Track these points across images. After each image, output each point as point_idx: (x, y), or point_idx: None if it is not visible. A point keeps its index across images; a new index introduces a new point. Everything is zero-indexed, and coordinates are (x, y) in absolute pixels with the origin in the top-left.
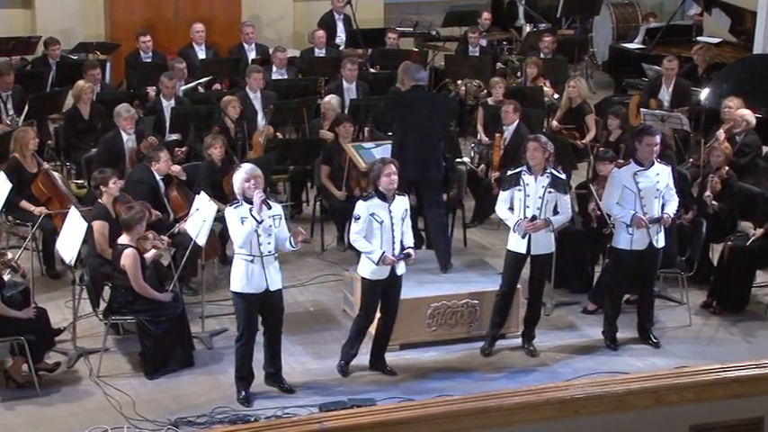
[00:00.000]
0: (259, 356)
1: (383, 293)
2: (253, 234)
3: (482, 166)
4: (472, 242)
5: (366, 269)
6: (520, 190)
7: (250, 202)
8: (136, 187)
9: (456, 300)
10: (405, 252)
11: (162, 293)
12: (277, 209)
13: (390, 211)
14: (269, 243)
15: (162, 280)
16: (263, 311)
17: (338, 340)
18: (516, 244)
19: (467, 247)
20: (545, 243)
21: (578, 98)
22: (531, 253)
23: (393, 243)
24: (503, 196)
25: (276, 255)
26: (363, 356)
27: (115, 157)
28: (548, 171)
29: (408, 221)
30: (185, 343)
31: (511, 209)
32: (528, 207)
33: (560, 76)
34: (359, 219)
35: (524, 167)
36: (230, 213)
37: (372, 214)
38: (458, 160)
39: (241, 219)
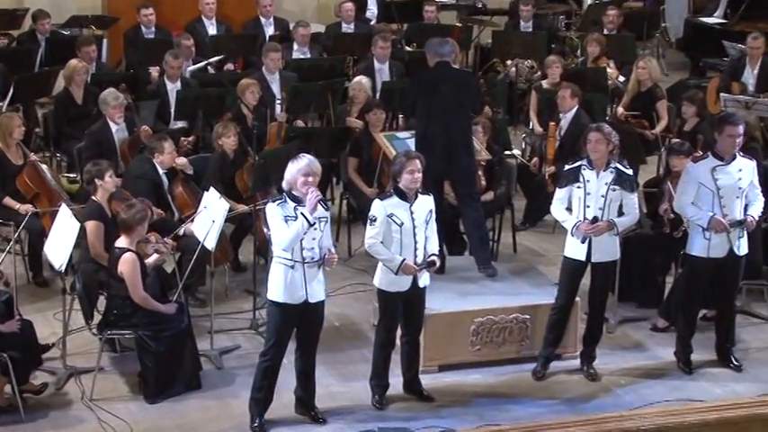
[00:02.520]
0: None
1: (404, 308)
2: (301, 236)
3: (534, 159)
4: (523, 248)
5: (383, 279)
6: (579, 187)
7: (296, 199)
8: (136, 183)
9: (504, 314)
10: (428, 259)
11: (165, 305)
12: (326, 211)
13: (412, 213)
14: (313, 248)
15: (165, 289)
16: (299, 325)
17: (367, 360)
18: (574, 250)
19: (516, 254)
20: (608, 249)
21: (648, 81)
22: (592, 260)
23: (415, 249)
24: (559, 194)
25: (320, 263)
26: (396, 378)
27: (104, 152)
28: (612, 166)
29: (433, 225)
30: (191, 362)
31: (568, 209)
32: (588, 207)
33: (627, 56)
34: (375, 221)
35: (584, 161)
36: (273, 211)
37: (390, 215)
38: (506, 153)
39: (285, 218)
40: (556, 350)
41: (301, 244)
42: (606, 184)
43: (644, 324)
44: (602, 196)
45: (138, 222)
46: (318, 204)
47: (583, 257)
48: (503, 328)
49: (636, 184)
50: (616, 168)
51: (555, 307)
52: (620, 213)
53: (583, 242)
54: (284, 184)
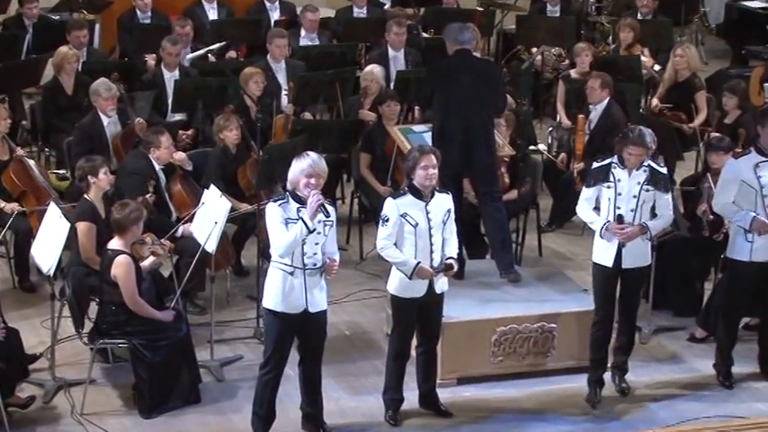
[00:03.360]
0: (286, 392)
1: (420, 316)
2: (299, 243)
3: (562, 155)
4: (549, 251)
5: (397, 284)
6: (609, 187)
7: (300, 200)
8: (130, 180)
9: (528, 323)
10: (445, 263)
11: (162, 311)
12: (332, 212)
13: (428, 212)
14: (315, 254)
15: (162, 295)
16: (300, 336)
17: (380, 372)
18: (603, 255)
19: (542, 257)
20: (639, 254)
21: (686, 71)
22: (623, 266)
23: (431, 252)
24: (586, 194)
25: (323, 269)
26: (412, 392)
27: (95, 147)
28: (645, 164)
29: (452, 226)
30: (190, 374)
31: (597, 210)
32: (619, 208)
33: (663, 43)
34: (387, 221)
35: (615, 158)
36: (273, 212)
37: (404, 215)
38: (532, 148)
39: (285, 220)
40: (605, 370)
41: (302, 249)
42: (638, 183)
43: (681, 334)
44: (634, 197)
45: (132, 222)
46: (320, 210)
47: (610, 263)
48: (527, 337)
49: (671, 184)
50: (649, 167)
51: (595, 321)
52: (654, 215)
53: (619, 246)
54: (288, 184)
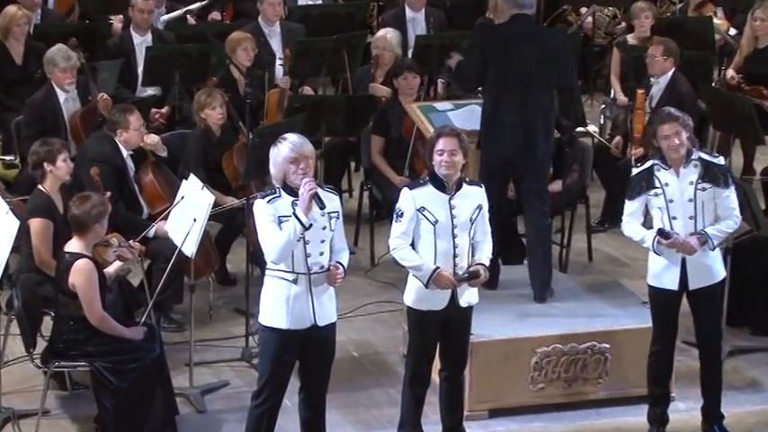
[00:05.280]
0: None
1: (442, 334)
2: (295, 244)
3: (617, 138)
4: (601, 254)
5: (413, 294)
6: (657, 195)
7: (294, 193)
8: (93, 168)
9: (575, 342)
10: (470, 270)
11: (130, 328)
12: (333, 203)
13: (451, 207)
14: (321, 254)
15: (131, 308)
16: (303, 357)
17: (395, 402)
18: (662, 277)
19: (592, 263)
20: (706, 270)
21: (767, 36)
22: (690, 288)
23: (454, 256)
24: (630, 208)
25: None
26: (434, 427)
27: (50, 128)
28: (694, 157)
29: (484, 226)
30: (164, 404)
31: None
32: (675, 219)
33: (740, 2)
34: (402, 216)
35: (656, 160)
36: (262, 210)
37: (421, 209)
38: (580, 130)
39: (278, 218)
40: (668, 407)
41: (305, 249)
42: (691, 183)
43: (762, 357)
44: (690, 200)
45: (94, 219)
46: (315, 201)
47: (676, 286)
48: (573, 360)
49: (730, 175)
50: (701, 159)
51: (654, 351)
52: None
53: (671, 259)
54: (273, 181)
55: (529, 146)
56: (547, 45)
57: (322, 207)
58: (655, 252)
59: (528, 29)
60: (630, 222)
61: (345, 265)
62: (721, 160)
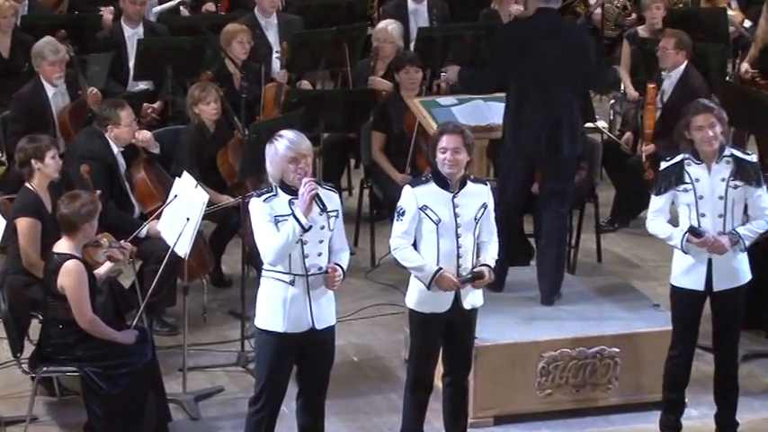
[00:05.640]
0: None
1: (446, 338)
2: (294, 246)
3: (627, 134)
4: (611, 255)
5: (415, 296)
6: (686, 191)
7: (292, 191)
8: (81, 166)
9: (583, 346)
10: (474, 271)
11: (121, 332)
12: (333, 202)
13: (455, 206)
14: (320, 255)
15: (122, 311)
16: (300, 362)
17: (396, 408)
18: (687, 277)
19: (602, 264)
20: (732, 272)
21: None
22: (714, 289)
23: (458, 256)
24: (657, 204)
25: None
26: None
27: (37, 123)
28: (726, 153)
29: (490, 225)
30: (157, 410)
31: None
32: (704, 216)
33: None
34: (403, 214)
35: (687, 154)
36: (257, 208)
37: (424, 208)
38: (588, 125)
39: (275, 218)
40: (682, 415)
41: (302, 250)
42: (723, 180)
43: None
44: (720, 198)
45: (84, 219)
46: (317, 201)
47: (701, 286)
48: (582, 365)
49: (763, 174)
50: (733, 156)
51: (673, 355)
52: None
53: (698, 258)
54: (270, 173)
55: (554, 145)
56: (573, 41)
57: (323, 209)
58: (682, 251)
59: (554, 24)
60: (656, 219)
61: (345, 266)
62: (754, 158)
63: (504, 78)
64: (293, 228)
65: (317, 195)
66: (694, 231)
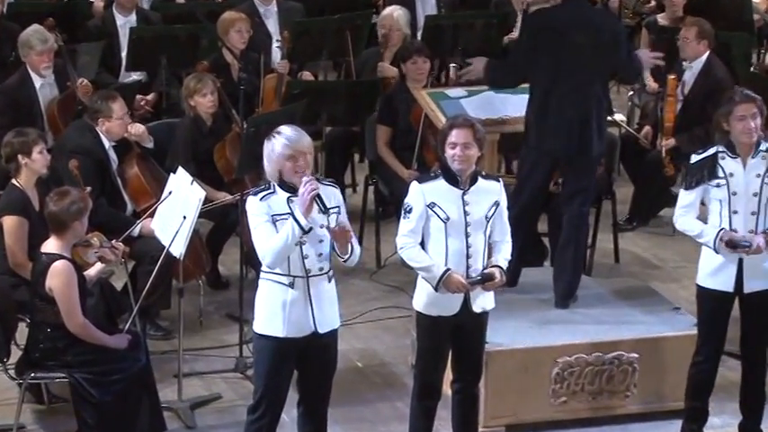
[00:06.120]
0: None
1: (455, 343)
2: (293, 248)
3: (647, 128)
4: (629, 255)
5: (423, 298)
6: (719, 186)
7: (290, 189)
8: (72, 161)
9: (600, 352)
10: (484, 272)
11: (113, 336)
12: (334, 198)
13: (464, 204)
14: (320, 255)
15: (114, 314)
16: (301, 368)
17: (402, 416)
18: (716, 277)
19: (619, 264)
20: (764, 273)
21: None
22: (744, 291)
23: (467, 257)
24: (687, 199)
25: (332, 274)
26: None
27: (24, 116)
28: (762, 147)
29: (502, 225)
30: (150, 419)
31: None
32: (736, 213)
33: None
34: (411, 212)
35: (721, 146)
36: (254, 207)
37: (432, 205)
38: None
39: (273, 217)
40: (705, 423)
41: (301, 251)
42: (758, 175)
43: None
44: (755, 194)
45: (74, 217)
46: (317, 201)
47: (731, 287)
48: (599, 371)
49: None
50: None
51: (699, 360)
52: None
53: (728, 258)
54: (267, 171)
55: (583, 142)
56: (602, 31)
57: (324, 210)
58: (714, 250)
59: (583, 13)
60: (686, 215)
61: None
62: None
63: (529, 71)
64: (292, 229)
65: (318, 195)
66: (731, 244)
